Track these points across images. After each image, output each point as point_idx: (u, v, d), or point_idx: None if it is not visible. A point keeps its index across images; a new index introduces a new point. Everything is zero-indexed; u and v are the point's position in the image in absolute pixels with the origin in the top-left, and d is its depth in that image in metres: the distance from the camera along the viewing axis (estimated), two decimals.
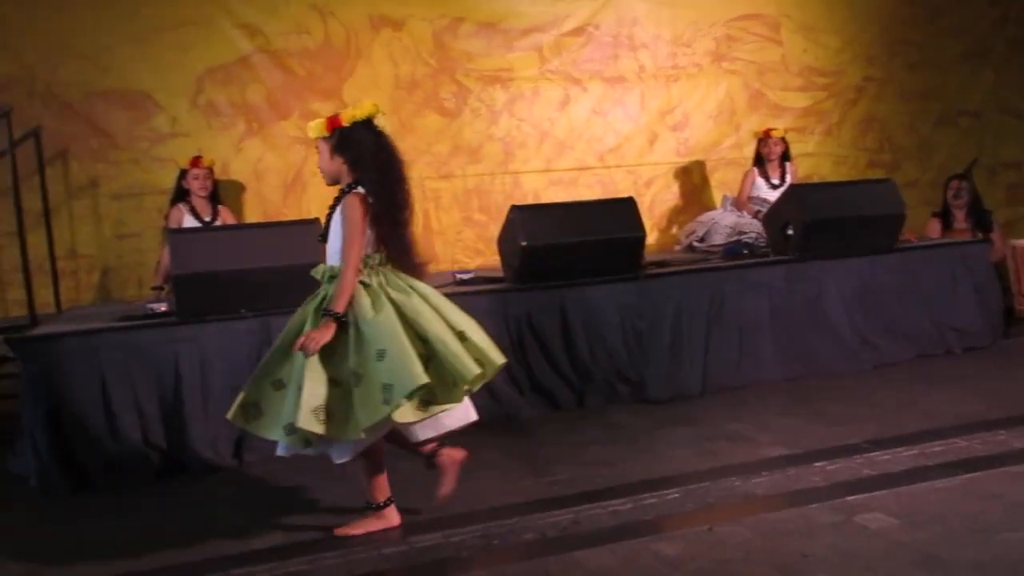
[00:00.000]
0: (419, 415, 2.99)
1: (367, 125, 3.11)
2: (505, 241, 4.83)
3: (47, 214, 5.24)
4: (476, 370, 3.01)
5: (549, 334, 4.63)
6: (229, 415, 3.11)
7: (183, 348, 4.05)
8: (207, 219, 5.32)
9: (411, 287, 3.11)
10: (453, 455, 3.28)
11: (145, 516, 3.55)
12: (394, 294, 3.05)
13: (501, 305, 4.58)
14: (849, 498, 3.19)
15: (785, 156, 6.41)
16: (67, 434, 3.88)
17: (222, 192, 5.55)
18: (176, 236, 4.29)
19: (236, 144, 5.89)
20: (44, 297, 5.13)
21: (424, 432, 3.14)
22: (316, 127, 3.17)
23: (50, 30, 5.52)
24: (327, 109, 6.01)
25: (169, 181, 5.48)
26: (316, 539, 3.18)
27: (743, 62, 7.03)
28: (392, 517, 3.25)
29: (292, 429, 2.93)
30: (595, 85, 6.70)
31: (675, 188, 6.91)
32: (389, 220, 3.08)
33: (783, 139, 6.42)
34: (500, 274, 4.93)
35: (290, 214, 5.87)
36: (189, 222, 5.25)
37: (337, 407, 2.93)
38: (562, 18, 6.61)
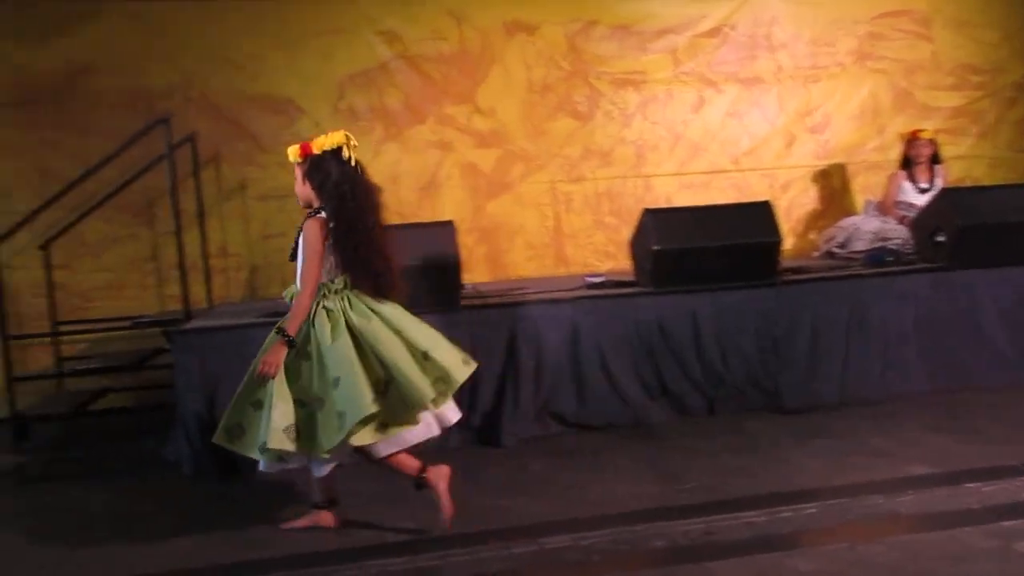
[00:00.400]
0: (377, 437, 3.14)
1: (336, 154, 3.25)
2: (637, 245, 4.79)
3: (201, 215, 5.55)
4: (430, 395, 3.13)
5: (680, 339, 4.56)
6: (215, 438, 3.24)
7: None
8: None
9: (374, 311, 3.20)
10: (439, 473, 3.31)
11: (284, 505, 3.69)
12: (355, 319, 3.16)
13: (632, 309, 4.55)
14: (1006, 523, 3.00)
15: (935, 158, 6.09)
16: (218, 423, 4.07)
17: None
18: None
19: (374, 148, 6.07)
20: (197, 293, 5.42)
21: (386, 448, 3.22)
22: (292, 152, 3.32)
23: (205, 40, 5.85)
24: (462, 113, 6.16)
25: None
26: (446, 536, 3.24)
27: (889, 60, 6.72)
28: (328, 519, 3.40)
29: (264, 448, 3.06)
30: (730, 86, 6.56)
31: (814, 192, 6.68)
32: (350, 245, 3.18)
33: (932, 140, 6.10)
34: (631, 278, 4.90)
35: (425, 216, 6.01)
36: None
37: (304, 426, 3.09)
38: (697, 19, 6.50)
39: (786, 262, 5.10)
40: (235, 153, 5.91)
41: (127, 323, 5.28)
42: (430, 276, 4.30)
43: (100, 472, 4.39)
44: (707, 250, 4.59)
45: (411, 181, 6.13)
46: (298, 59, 5.98)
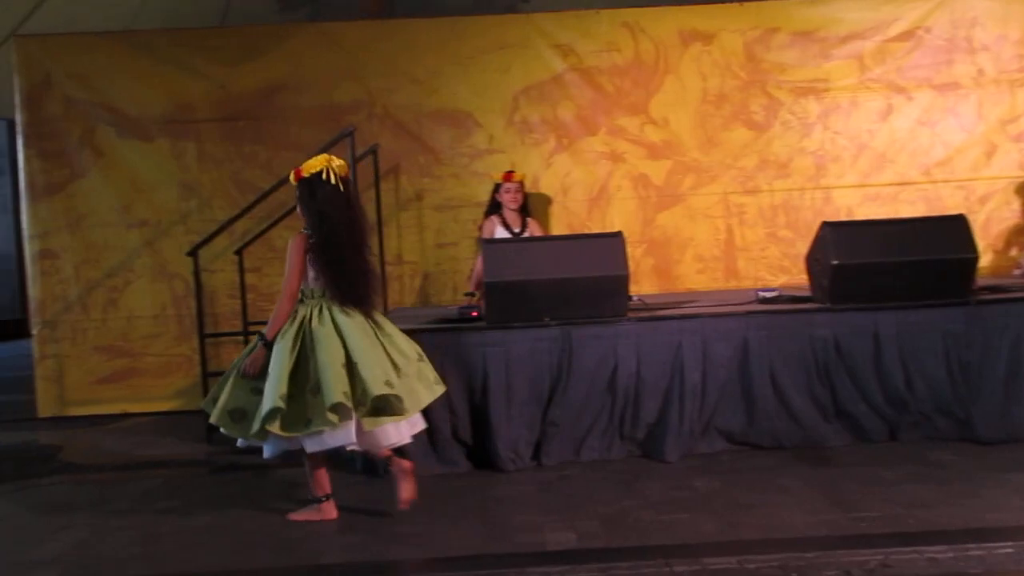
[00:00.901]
0: (297, 431, 3.44)
1: (319, 177, 3.53)
2: (814, 259, 4.58)
3: (380, 224, 5.80)
4: (333, 399, 3.34)
5: (859, 359, 4.31)
6: (212, 419, 3.55)
7: (491, 352, 4.27)
8: (516, 230, 5.58)
9: (334, 319, 3.51)
10: (402, 464, 3.60)
11: (453, 508, 3.78)
12: (314, 324, 3.50)
13: (807, 326, 4.35)
14: None
15: None
16: None
17: (531, 205, 5.80)
18: (490, 246, 4.54)
19: (546, 159, 6.14)
20: None
21: (309, 445, 3.50)
22: (292, 177, 3.64)
23: (388, 57, 6.12)
24: (633, 125, 6.13)
25: (484, 194, 5.82)
26: (608, 547, 3.21)
27: None
28: (330, 511, 3.65)
29: (260, 429, 3.40)
30: (923, 93, 6.17)
31: (1016, 205, 6.16)
32: (324, 259, 3.50)
33: None
34: (806, 293, 4.69)
35: (594, 227, 6.03)
36: (500, 233, 5.54)
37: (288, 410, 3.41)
38: (887, 22, 6.17)
39: (981, 280, 4.73)
40: (414, 165, 6.15)
41: None
42: (597, 287, 4.29)
43: (281, 464, 4.64)
44: (892, 265, 4.33)
45: (581, 192, 6.15)
46: (474, 73, 6.16)
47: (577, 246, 4.53)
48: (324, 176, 3.53)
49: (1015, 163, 6.17)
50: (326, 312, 3.53)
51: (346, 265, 3.53)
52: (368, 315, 3.60)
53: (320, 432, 3.44)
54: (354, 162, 5.03)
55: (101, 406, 6.00)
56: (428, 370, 3.74)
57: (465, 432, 4.28)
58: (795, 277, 5.73)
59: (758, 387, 4.30)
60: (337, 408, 3.38)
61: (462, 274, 5.99)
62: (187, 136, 6.10)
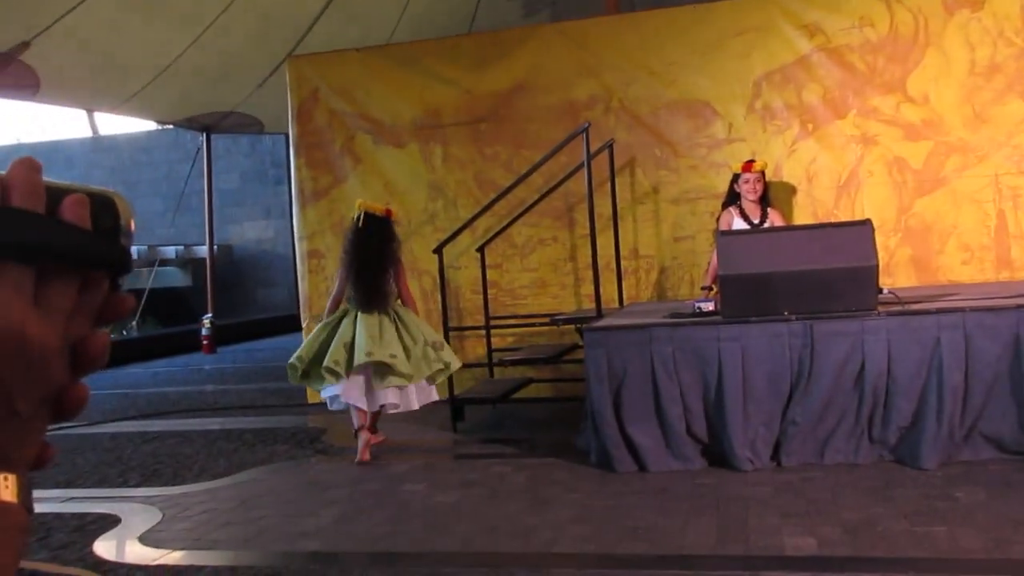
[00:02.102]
0: (321, 383, 4.79)
1: (353, 219, 4.88)
2: None
3: (615, 218, 5.81)
4: (327, 363, 4.62)
5: None
6: (294, 378, 4.85)
7: (726, 347, 4.14)
8: (756, 221, 5.36)
9: (351, 312, 4.79)
10: (366, 434, 4.82)
11: (686, 505, 3.71)
12: (345, 317, 4.80)
13: None
14: None
15: None
16: (623, 417, 4.24)
17: (773, 194, 5.55)
18: (724, 238, 4.40)
19: (789, 146, 5.86)
20: (609, 292, 5.70)
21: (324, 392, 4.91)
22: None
23: (624, 51, 6.11)
24: (888, 104, 5.71)
25: (722, 185, 5.65)
26: (853, 556, 3.01)
27: None
28: (367, 436, 4.82)
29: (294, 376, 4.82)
30: None
31: None
32: (345, 276, 4.85)
33: None
34: None
35: (841, 216, 5.66)
36: (739, 225, 5.35)
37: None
38: None
39: None
40: (650, 158, 6.09)
41: (547, 319, 5.71)
42: (842, 279, 4.03)
43: (520, 454, 4.80)
44: None
45: (828, 179, 5.81)
46: (714, 61, 5.99)
47: (820, 235, 4.28)
48: (355, 219, 4.85)
49: None
50: (352, 310, 4.79)
51: (358, 281, 4.76)
52: (384, 312, 4.75)
53: (322, 386, 4.80)
54: (588, 158, 5.07)
55: None
56: (438, 352, 4.83)
57: (700, 429, 4.19)
58: None
59: None
60: (327, 370, 4.62)
61: (699, 268, 5.85)
62: (434, 140, 6.44)
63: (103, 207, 0.47)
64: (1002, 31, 5.56)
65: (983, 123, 5.57)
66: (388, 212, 4.95)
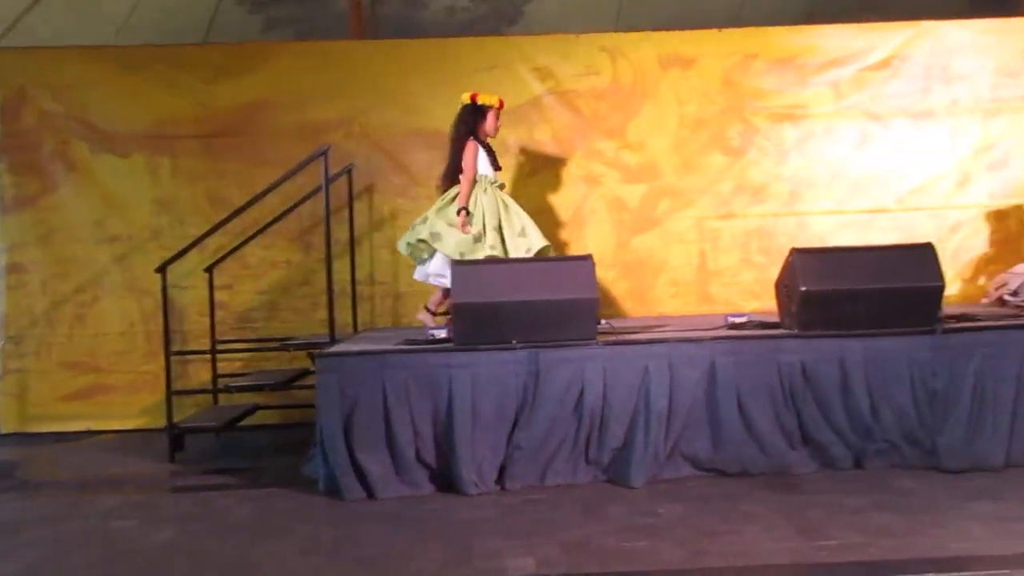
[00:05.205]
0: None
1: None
2: (783, 285, 4.58)
3: (352, 243, 5.78)
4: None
5: (825, 386, 4.31)
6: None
7: (457, 374, 4.24)
8: None
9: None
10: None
11: (412, 530, 3.73)
12: None
13: (774, 351, 4.34)
14: None
15: None
16: (353, 444, 4.20)
17: None
18: (458, 267, 4.52)
19: (522, 181, 6.14)
20: (345, 318, 5.64)
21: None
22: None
23: (369, 77, 6.14)
24: (609, 148, 6.17)
25: None
26: (568, 574, 3.17)
27: None
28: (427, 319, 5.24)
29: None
30: (898, 121, 6.23)
31: (986, 234, 6.20)
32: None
33: None
34: (776, 319, 4.69)
35: (568, 250, 6.02)
36: None
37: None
38: (865, 51, 6.23)
39: (951, 309, 4.75)
40: (389, 185, 6.14)
41: (278, 344, 5.54)
42: (565, 310, 4.28)
43: (245, 484, 4.60)
44: (859, 293, 4.33)
45: (556, 215, 6.15)
46: (455, 95, 6.12)
47: (547, 269, 4.53)
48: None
49: (986, 192, 6.22)
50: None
51: None
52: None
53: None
54: (327, 181, 5.00)
55: (65, 423, 5.94)
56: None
57: (429, 454, 4.24)
58: (768, 303, 5.72)
59: (724, 413, 4.29)
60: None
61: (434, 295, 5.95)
62: (162, 152, 6.08)
63: None
64: (707, 91, 6.22)
65: (689, 171, 6.18)
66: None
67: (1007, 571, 3.02)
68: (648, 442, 4.21)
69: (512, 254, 4.92)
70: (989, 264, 6.15)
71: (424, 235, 4.99)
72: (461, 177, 5.03)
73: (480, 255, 4.88)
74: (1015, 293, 5.34)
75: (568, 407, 4.25)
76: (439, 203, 5.10)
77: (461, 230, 4.91)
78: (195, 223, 5.89)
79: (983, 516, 3.61)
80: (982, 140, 6.23)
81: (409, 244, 5.11)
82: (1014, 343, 4.35)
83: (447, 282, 4.77)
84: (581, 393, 4.25)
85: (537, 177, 6.17)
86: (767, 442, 4.27)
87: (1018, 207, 6.20)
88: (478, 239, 4.92)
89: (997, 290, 5.55)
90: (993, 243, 6.21)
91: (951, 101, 6.23)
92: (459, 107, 5.18)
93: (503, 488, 4.23)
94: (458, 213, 4.93)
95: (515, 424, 4.24)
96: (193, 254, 5.57)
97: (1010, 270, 5.61)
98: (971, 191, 6.22)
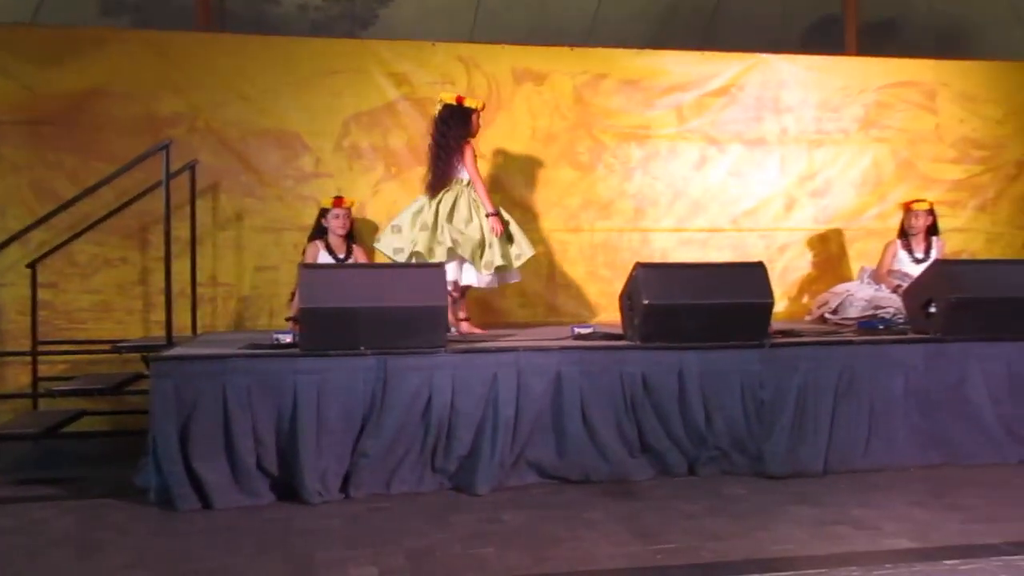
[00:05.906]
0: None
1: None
2: (627, 298, 4.75)
3: (193, 242, 5.54)
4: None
5: (664, 396, 4.50)
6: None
7: (303, 380, 4.14)
8: (341, 256, 5.48)
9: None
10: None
11: (252, 541, 3.61)
12: None
13: (617, 363, 4.49)
14: None
15: (932, 230, 6.06)
16: (189, 452, 4.02)
17: (357, 232, 5.72)
18: (308, 271, 4.43)
19: (374, 186, 6.09)
20: (183, 320, 5.40)
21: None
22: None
23: (215, 72, 5.91)
24: None
25: (308, 218, 5.70)
26: None
27: (893, 130, 6.78)
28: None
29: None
30: (734, 146, 6.60)
31: (810, 256, 6.67)
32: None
33: (930, 211, 6.05)
34: (620, 331, 4.85)
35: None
36: (324, 258, 5.42)
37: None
38: (706, 78, 6.56)
39: (777, 325, 5.06)
40: (236, 185, 5.93)
41: (109, 347, 5.24)
42: (415, 317, 4.26)
43: (68, 495, 4.31)
44: (697, 307, 4.55)
45: None
46: (307, 95, 6.04)
47: (397, 275, 4.51)
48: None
49: (810, 217, 6.69)
50: None
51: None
52: None
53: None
54: (167, 177, 4.79)
55: None
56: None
57: (271, 463, 4.12)
58: (613, 315, 5.92)
59: (569, 421, 4.39)
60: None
61: (280, 298, 5.80)
62: None
63: None
64: (558, 106, 6.38)
65: (540, 184, 6.31)
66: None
67: (824, 570, 3.24)
68: (495, 450, 4.25)
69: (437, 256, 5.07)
70: (812, 284, 6.62)
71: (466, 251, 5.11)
72: (471, 187, 5.22)
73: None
74: (835, 311, 5.76)
75: (416, 414, 4.24)
76: (443, 208, 5.15)
77: (494, 235, 5.11)
78: (17, 216, 5.49)
79: (804, 520, 3.86)
80: (807, 168, 6.69)
81: (498, 267, 5.16)
82: (833, 358, 4.69)
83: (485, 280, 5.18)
84: (429, 400, 4.24)
85: (390, 183, 6.13)
86: (609, 450, 4.40)
87: (838, 232, 6.70)
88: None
89: (819, 308, 5.97)
90: (816, 264, 6.68)
91: (780, 130, 6.66)
92: (438, 108, 5.25)
93: (347, 496, 4.16)
94: (488, 216, 5.14)
95: (362, 431, 4.19)
96: (14, 248, 5.19)
97: (830, 290, 6.05)
98: (797, 215, 6.67)
